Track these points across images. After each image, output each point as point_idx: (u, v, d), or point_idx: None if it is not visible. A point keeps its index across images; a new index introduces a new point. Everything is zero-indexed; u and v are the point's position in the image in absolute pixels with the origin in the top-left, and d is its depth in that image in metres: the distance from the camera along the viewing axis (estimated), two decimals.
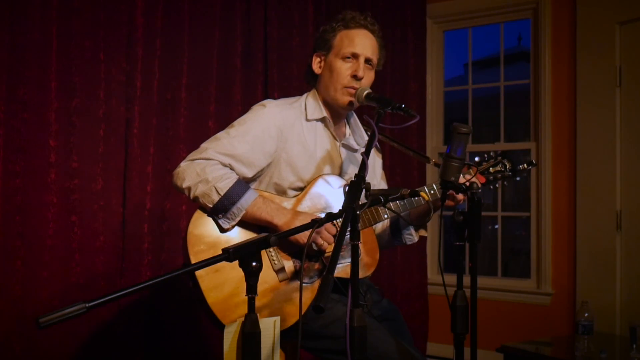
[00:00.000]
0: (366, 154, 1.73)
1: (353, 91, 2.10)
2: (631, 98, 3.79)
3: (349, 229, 1.53)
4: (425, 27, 4.56)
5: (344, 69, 2.11)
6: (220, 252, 1.43)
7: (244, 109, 3.09)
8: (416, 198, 2.15)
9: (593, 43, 3.95)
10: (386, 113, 1.92)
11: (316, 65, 2.19)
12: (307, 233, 1.87)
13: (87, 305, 1.24)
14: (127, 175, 2.97)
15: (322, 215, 2.04)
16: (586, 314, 3.16)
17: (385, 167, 2.46)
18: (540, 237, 4.20)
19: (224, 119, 3.21)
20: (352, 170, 2.20)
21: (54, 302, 2.67)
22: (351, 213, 1.53)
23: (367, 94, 2.04)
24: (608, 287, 3.78)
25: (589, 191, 3.95)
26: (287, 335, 1.90)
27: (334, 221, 2.03)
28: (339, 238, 1.50)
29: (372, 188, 1.89)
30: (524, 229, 4.70)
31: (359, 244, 1.55)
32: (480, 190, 1.95)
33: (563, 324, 4.03)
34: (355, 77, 2.10)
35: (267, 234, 1.49)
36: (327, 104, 2.18)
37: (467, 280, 1.75)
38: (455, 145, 1.71)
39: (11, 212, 2.59)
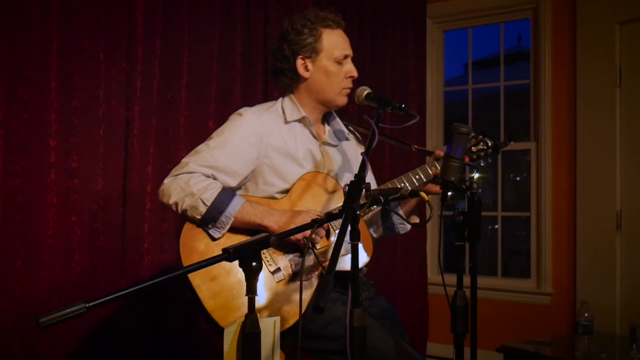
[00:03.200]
0: (366, 154, 1.73)
1: (349, 91, 2.17)
2: (631, 98, 3.79)
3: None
4: (425, 27, 4.56)
5: (341, 71, 2.15)
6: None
7: None
8: (417, 177, 2.16)
9: (593, 43, 3.95)
10: (386, 113, 1.92)
11: (302, 68, 2.17)
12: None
13: (87, 305, 1.24)
14: (127, 175, 2.97)
15: (308, 210, 2.05)
16: (586, 314, 3.16)
17: (385, 167, 2.46)
18: (540, 237, 4.20)
19: (224, 119, 3.19)
20: (335, 167, 2.22)
21: (54, 302, 2.67)
22: (351, 213, 1.53)
23: (367, 94, 2.05)
24: (608, 287, 3.78)
25: (589, 191, 3.95)
26: (286, 336, 1.90)
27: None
28: (338, 238, 1.50)
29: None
30: (524, 229, 4.70)
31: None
32: (480, 190, 1.95)
33: (563, 324, 4.04)
34: (351, 77, 2.16)
35: (267, 234, 1.49)
36: (308, 105, 2.19)
37: (467, 280, 1.75)
38: (455, 145, 1.71)
39: (11, 212, 2.59)
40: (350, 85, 2.17)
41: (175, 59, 3.17)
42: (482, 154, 2.31)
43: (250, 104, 2.31)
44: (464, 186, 1.75)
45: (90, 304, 1.25)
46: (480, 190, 1.86)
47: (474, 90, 4.77)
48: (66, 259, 2.75)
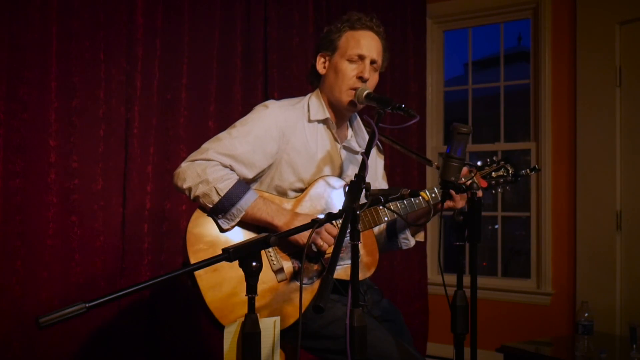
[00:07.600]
0: (366, 154, 1.73)
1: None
2: (631, 98, 3.79)
3: (348, 229, 1.53)
4: (425, 27, 4.56)
5: (350, 70, 2.10)
6: (219, 252, 1.43)
7: (244, 108, 3.07)
8: (416, 200, 2.15)
9: (593, 43, 3.95)
10: (386, 113, 1.92)
11: (320, 65, 2.18)
12: (306, 233, 1.87)
13: (87, 305, 1.24)
14: (127, 175, 2.97)
15: (322, 217, 2.05)
16: (586, 314, 3.16)
17: (385, 167, 2.46)
18: (540, 237, 4.21)
19: (224, 119, 3.21)
20: (352, 172, 2.19)
21: (54, 302, 2.67)
22: (351, 213, 1.52)
23: (367, 94, 2.05)
24: (608, 287, 3.78)
25: (589, 191, 3.95)
26: (286, 336, 1.90)
27: (334, 222, 2.04)
28: (338, 238, 1.50)
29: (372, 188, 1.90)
30: (524, 229, 4.70)
31: (359, 245, 1.55)
32: (480, 190, 1.95)
33: (563, 324, 4.04)
34: (360, 78, 2.10)
35: (267, 234, 1.49)
36: (331, 105, 2.18)
37: (467, 280, 1.75)
38: (455, 145, 1.71)
39: (11, 212, 2.59)
40: (358, 86, 2.09)
41: (175, 59, 3.17)
42: (502, 180, 2.29)
43: (250, 104, 2.31)
44: (464, 186, 1.75)
45: (90, 304, 1.24)
46: (480, 190, 1.86)
47: (474, 90, 4.77)
48: (66, 259, 2.75)
